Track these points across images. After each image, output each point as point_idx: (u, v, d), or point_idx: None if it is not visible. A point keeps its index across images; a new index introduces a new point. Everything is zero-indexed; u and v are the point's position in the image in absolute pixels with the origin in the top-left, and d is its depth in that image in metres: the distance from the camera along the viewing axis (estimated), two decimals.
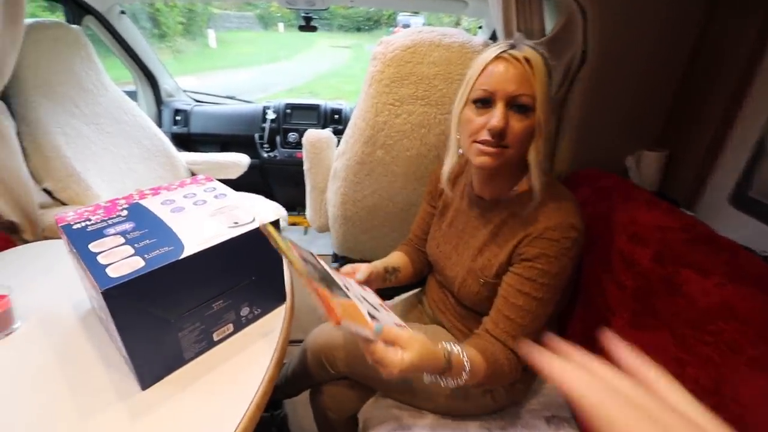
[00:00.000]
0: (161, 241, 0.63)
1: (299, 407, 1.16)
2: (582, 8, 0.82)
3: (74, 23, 1.51)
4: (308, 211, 1.32)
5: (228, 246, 0.65)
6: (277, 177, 1.99)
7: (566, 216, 0.65)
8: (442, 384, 0.60)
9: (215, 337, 0.70)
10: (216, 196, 0.79)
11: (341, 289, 0.59)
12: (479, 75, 0.64)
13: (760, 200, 0.78)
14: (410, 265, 0.90)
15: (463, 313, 0.81)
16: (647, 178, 0.96)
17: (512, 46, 0.63)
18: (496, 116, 0.62)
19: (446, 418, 0.81)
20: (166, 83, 2.00)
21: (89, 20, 1.59)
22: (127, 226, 0.67)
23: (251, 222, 0.70)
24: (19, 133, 1.05)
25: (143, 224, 0.68)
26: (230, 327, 0.72)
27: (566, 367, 0.23)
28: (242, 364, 0.66)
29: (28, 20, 1.16)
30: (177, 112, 1.96)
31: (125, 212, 0.72)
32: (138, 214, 0.71)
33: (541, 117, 0.62)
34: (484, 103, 0.64)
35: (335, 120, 1.91)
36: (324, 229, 1.29)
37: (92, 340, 0.70)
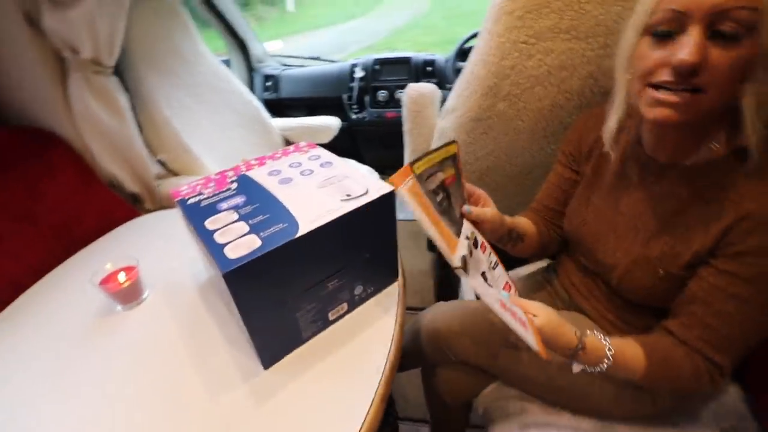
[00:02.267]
0: (274, 217, 0.57)
1: (402, 376, 1.13)
2: None
3: None
4: None
5: (342, 222, 0.58)
6: (365, 139, 1.91)
7: None
8: (595, 370, 0.52)
9: (330, 317, 0.65)
10: (322, 165, 0.72)
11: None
12: None
13: None
14: (537, 237, 0.75)
15: (618, 303, 0.65)
16: None
17: None
18: (687, 45, 0.41)
19: (589, 420, 0.69)
20: (255, 49, 1.99)
21: None
22: (239, 200, 0.63)
23: (364, 194, 0.61)
24: (133, 107, 1.09)
25: (254, 198, 0.63)
26: (344, 306, 0.67)
27: None
28: (361, 345, 0.62)
29: None
30: (267, 77, 1.94)
31: (235, 185, 0.68)
32: (247, 186, 0.67)
33: None
34: (667, 35, 0.44)
35: (428, 73, 1.73)
36: None
37: (213, 313, 0.70)
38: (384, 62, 1.77)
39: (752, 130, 0.45)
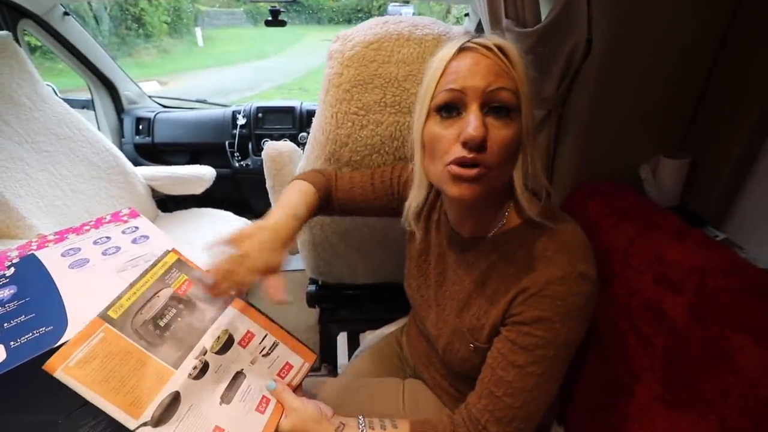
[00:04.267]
0: (39, 318, 0.48)
1: None
2: None
3: (8, 29, 1.34)
4: None
5: None
6: (251, 187, 1.83)
7: (574, 262, 0.48)
8: None
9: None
10: (134, 240, 0.64)
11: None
12: (441, 76, 0.48)
13: None
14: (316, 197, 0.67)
15: (451, 372, 0.64)
16: (666, 190, 0.80)
17: (475, 37, 0.48)
18: (472, 121, 0.44)
19: None
20: (127, 89, 1.83)
21: (26, 24, 1.42)
22: (6, 292, 0.52)
23: None
24: None
25: (28, 289, 0.53)
26: None
27: None
28: None
29: None
30: (139, 120, 1.79)
31: (11, 270, 0.56)
32: (27, 272, 0.56)
33: (529, 120, 0.47)
34: (451, 110, 0.47)
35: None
36: (293, 252, 1.14)
37: None
38: (267, 110, 1.74)
39: (526, 203, 0.49)
